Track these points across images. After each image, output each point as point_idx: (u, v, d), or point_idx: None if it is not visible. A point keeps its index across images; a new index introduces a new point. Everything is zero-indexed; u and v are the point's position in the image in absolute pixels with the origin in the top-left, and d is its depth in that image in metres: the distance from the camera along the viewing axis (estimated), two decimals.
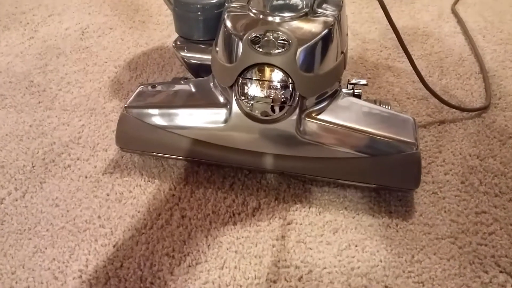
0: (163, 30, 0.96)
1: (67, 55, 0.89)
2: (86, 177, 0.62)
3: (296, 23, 0.56)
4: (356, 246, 0.53)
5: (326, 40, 0.55)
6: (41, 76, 0.83)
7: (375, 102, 0.64)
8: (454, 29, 0.93)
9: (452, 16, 0.98)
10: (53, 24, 1.00)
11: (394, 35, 0.64)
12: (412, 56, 0.75)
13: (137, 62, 0.86)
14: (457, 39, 0.90)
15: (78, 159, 0.65)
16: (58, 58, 0.88)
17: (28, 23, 1.01)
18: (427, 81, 0.68)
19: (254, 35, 0.54)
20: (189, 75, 0.74)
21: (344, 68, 0.61)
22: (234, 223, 0.55)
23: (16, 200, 0.59)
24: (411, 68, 0.66)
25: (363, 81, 0.64)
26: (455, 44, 0.88)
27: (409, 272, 0.50)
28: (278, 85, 0.54)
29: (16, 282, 0.49)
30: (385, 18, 0.62)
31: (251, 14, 0.58)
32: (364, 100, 0.64)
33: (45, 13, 1.05)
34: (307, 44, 0.54)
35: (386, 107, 0.63)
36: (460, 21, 0.95)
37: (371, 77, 0.80)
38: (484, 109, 0.72)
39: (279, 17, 0.56)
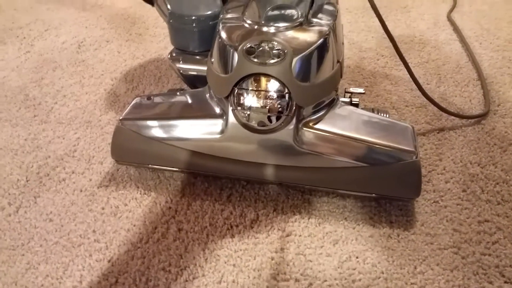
0: (160, 42, 0.96)
1: (63, 68, 0.89)
2: (81, 191, 0.61)
3: (291, 33, 0.55)
4: (357, 257, 0.52)
5: (322, 49, 0.55)
6: (37, 90, 0.82)
7: (373, 110, 0.63)
8: (450, 37, 0.93)
9: (448, 24, 0.98)
10: (50, 38, 1.00)
11: (390, 44, 0.63)
12: (409, 64, 0.74)
13: (134, 74, 0.85)
14: (454, 46, 0.90)
15: (73, 173, 0.64)
16: (54, 72, 0.88)
17: (24, 38, 1.01)
18: (425, 88, 0.68)
19: (249, 46, 0.54)
20: (185, 86, 0.73)
21: (341, 77, 0.60)
22: (232, 236, 0.54)
23: (10, 215, 0.58)
24: (409, 76, 0.65)
25: (360, 90, 0.64)
26: (452, 52, 0.88)
27: (411, 284, 0.49)
28: (274, 95, 0.53)
29: None
30: (381, 27, 0.62)
31: (246, 25, 0.57)
32: (362, 108, 0.63)
33: (42, 27, 1.05)
34: (303, 54, 0.53)
35: (384, 115, 0.63)
36: (456, 29, 0.94)
37: (368, 85, 0.79)
38: (483, 116, 0.71)
39: (274, 27, 0.56)
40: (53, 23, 1.06)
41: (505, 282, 0.49)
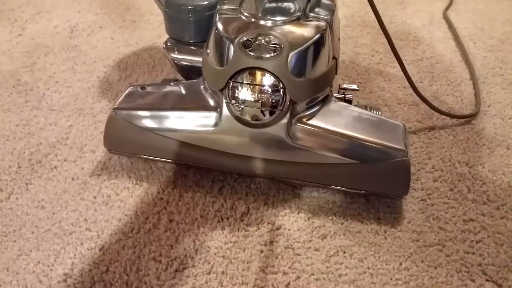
0: (154, 30, 0.96)
1: (56, 53, 0.88)
2: (73, 179, 0.61)
3: (288, 27, 0.56)
4: (344, 252, 0.53)
5: (318, 44, 0.55)
6: (29, 75, 0.82)
7: (365, 107, 0.64)
8: (445, 35, 0.94)
9: (443, 21, 0.99)
10: (42, 22, 0.98)
11: (386, 40, 0.64)
12: (404, 61, 0.75)
13: (127, 62, 0.85)
14: (448, 45, 0.90)
15: (65, 160, 0.64)
16: (47, 57, 0.87)
17: (16, 20, 0.99)
18: (418, 86, 0.68)
19: (245, 39, 0.54)
20: (179, 76, 0.73)
21: (336, 73, 0.60)
22: (222, 228, 0.55)
23: (1, 202, 0.58)
24: (402, 73, 0.66)
25: (354, 86, 0.64)
26: (446, 50, 0.88)
27: (396, 279, 0.50)
28: (269, 90, 0.53)
29: (0, 286, 0.49)
30: (377, 22, 0.62)
31: (243, 17, 0.57)
32: (355, 105, 0.64)
33: (34, 10, 1.03)
34: (299, 49, 0.53)
35: (377, 112, 0.63)
36: (451, 27, 0.95)
37: (362, 81, 0.80)
38: (473, 116, 0.72)
39: (271, 21, 0.56)
40: (45, 6, 1.05)
41: (487, 280, 0.50)
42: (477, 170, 0.63)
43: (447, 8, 1.03)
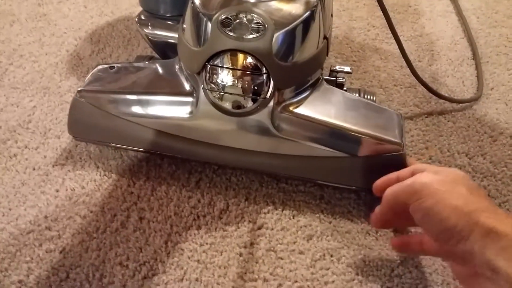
0: None
1: (22, 23, 0.80)
2: (33, 169, 0.55)
3: (274, 4, 0.49)
4: (331, 256, 0.48)
5: (307, 24, 0.49)
6: None
7: (359, 91, 0.58)
8: (447, 8, 0.86)
9: None
10: None
11: (383, 14, 0.57)
12: (402, 37, 0.68)
13: (100, 34, 0.77)
14: (450, 19, 0.83)
15: (26, 147, 0.58)
16: (12, 27, 0.79)
17: None
18: (416, 66, 0.62)
19: (224, 17, 0.47)
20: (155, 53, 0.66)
21: (327, 55, 0.54)
22: (198, 227, 0.50)
23: None
24: (400, 51, 0.60)
25: (347, 69, 0.58)
26: (447, 26, 0.82)
27: None
28: (251, 75, 0.47)
29: None
30: None
31: None
32: (347, 88, 0.58)
33: None
34: (285, 29, 0.47)
35: (371, 97, 0.58)
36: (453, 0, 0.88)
37: (356, 60, 0.73)
38: (475, 100, 0.67)
39: None
40: None
41: None
42: (478, 162, 0.58)
43: None
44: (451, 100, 0.66)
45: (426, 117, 0.64)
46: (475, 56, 0.74)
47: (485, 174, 0.57)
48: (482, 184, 0.56)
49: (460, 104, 0.66)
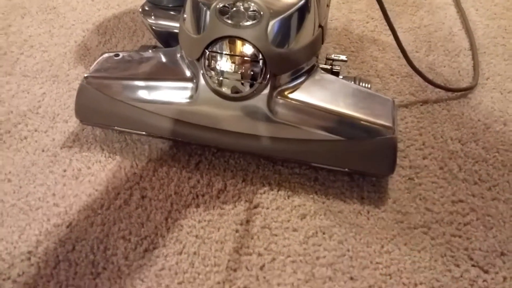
0: None
1: (33, 15, 0.83)
2: (42, 151, 0.58)
3: None
4: (323, 233, 0.50)
5: (302, 12, 0.51)
6: (3, 38, 0.77)
7: (354, 79, 0.60)
8: (446, 0, 0.88)
9: None
10: None
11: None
12: (400, 29, 0.70)
13: (107, 25, 0.80)
14: (449, 11, 0.85)
15: (35, 131, 0.61)
16: (23, 19, 0.82)
17: None
18: (413, 57, 0.64)
19: (222, 5, 0.49)
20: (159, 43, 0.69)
21: (322, 43, 0.56)
22: (197, 206, 0.52)
23: None
24: (395, 41, 0.62)
25: (343, 57, 0.60)
26: (445, 18, 0.83)
27: (376, 263, 0.48)
28: (248, 60, 0.49)
29: None
30: None
31: None
32: (344, 76, 0.60)
33: None
34: (280, 17, 0.49)
35: (366, 85, 0.60)
36: None
37: (354, 50, 0.75)
38: (470, 89, 0.68)
39: None
40: None
41: (473, 265, 0.48)
42: (470, 148, 0.60)
43: None
44: (446, 89, 0.68)
45: (421, 105, 0.66)
46: (472, 46, 0.76)
47: (476, 159, 0.59)
48: (474, 168, 0.57)
49: (455, 93, 0.68)
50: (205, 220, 0.51)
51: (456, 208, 0.53)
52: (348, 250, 0.49)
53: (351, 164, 0.53)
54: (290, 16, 0.50)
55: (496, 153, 0.59)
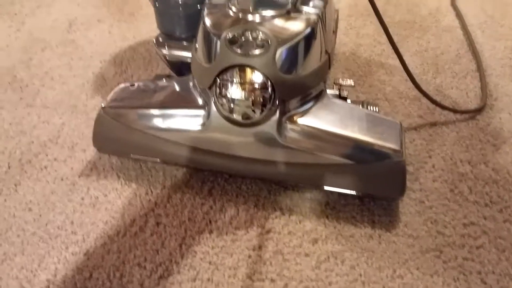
0: (152, 23, 0.92)
1: (53, 48, 0.87)
2: (62, 179, 0.60)
3: (277, 22, 0.53)
4: (335, 258, 0.51)
5: (309, 39, 0.53)
6: (25, 71, 0.81)
7: (362, 103, 0.61)
8: (452, 24, 0.89)
9: (451, 9, 0.94)
10: (41, 16, 0.97)
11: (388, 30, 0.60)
12: (407, 52, 0.71)
13: (123, 56, 0.83)
14: (455, 34, 0.86)
15: (55, 160, 0.63)
16: (43, 52, 0.86)
17: (16, 14, 0.98)
18: (421, 79, 0.65)
19: (232, 35, 0.51)
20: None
21: (329, 68, 0.58)
22: (210, 231, 0.53)
23: None
24: (401, 65, 0.63)
25: (350, 82, 0.61)
26: (452, 40, 0.84)
27: None
28: (258, 87, 0.51)
29: None
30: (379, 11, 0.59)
31: (231, 12, 0.55)
32: (352, 100, 0.62)
33: (34, 3, 1.02)
34: (287, 44, 0.51)
35: (374, 108, 0.61)
36: (459, 15, 0.91)
37: (362, 74, 0.77)
38: (478, 111, 0.69)
39: (259, 15, 0.53)
40: (45, 0, 1.03)
41: None
42: (480, 169, 0.60)
43: None
44: (454, 111, 0.68)
45: (430, 128, 0.66)
46: (479, 67, 0.77)
47: (486, 181, 0.59)
48: (484, 190, 0.58)
49: (464, 115, 0.68)
50: (218, 246, 0.52)
51: (468, 231, 0.53)
52: (360, 275, 0.49)
53: (360, 187, 0.54)
54: (297, 43, 0.52)
55: (506, 174, 0.60)
